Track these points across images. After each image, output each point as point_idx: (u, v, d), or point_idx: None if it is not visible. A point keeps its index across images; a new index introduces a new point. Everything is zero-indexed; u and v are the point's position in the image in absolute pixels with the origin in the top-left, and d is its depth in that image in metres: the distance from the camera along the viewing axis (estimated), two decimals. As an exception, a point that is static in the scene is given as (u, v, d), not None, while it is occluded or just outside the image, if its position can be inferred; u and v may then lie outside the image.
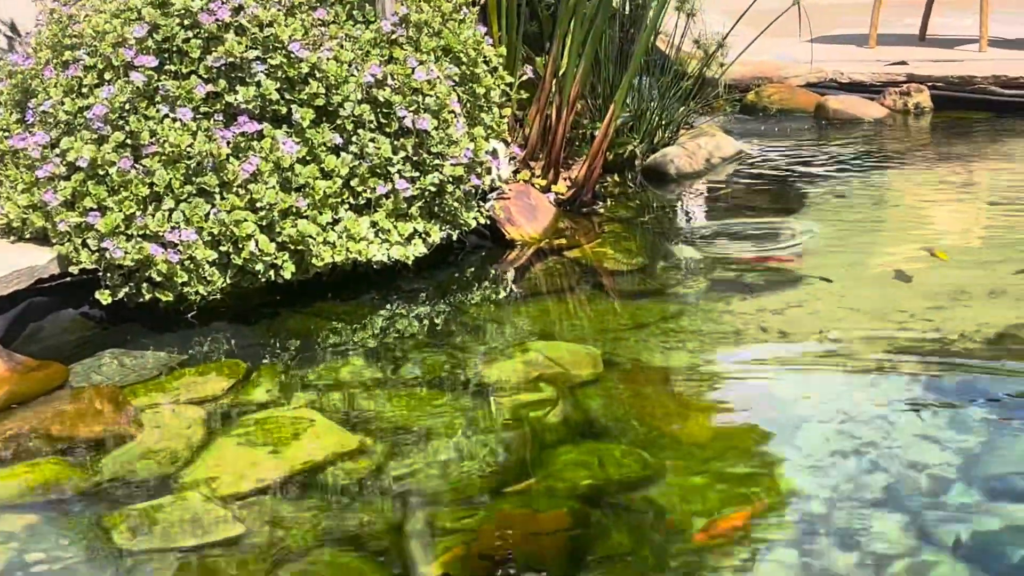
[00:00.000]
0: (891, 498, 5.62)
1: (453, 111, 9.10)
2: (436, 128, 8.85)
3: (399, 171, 8.66)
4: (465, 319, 8.37)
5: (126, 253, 7.72)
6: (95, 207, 7.85)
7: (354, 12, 9.21)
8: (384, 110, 8.73)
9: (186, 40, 8.23)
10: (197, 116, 8.17)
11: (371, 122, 8.65)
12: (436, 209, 8.97)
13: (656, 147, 12.25)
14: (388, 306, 8.56)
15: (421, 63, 8.91)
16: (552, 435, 6.47)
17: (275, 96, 8.33)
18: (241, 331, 8.11)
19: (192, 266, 7.84)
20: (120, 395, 6.85)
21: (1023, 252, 9.11)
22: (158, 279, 7.82)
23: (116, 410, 6.66)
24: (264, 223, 8.03)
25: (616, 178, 11.85)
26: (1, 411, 6.67)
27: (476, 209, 9.41)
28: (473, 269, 9.48)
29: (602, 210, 10.90)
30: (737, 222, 10.45)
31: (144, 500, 5.89)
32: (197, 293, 7.92)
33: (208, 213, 7.92)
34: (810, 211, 10.70)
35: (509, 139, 10.46)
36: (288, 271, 8.12)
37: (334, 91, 8.54)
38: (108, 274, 7.90)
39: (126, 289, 7.90)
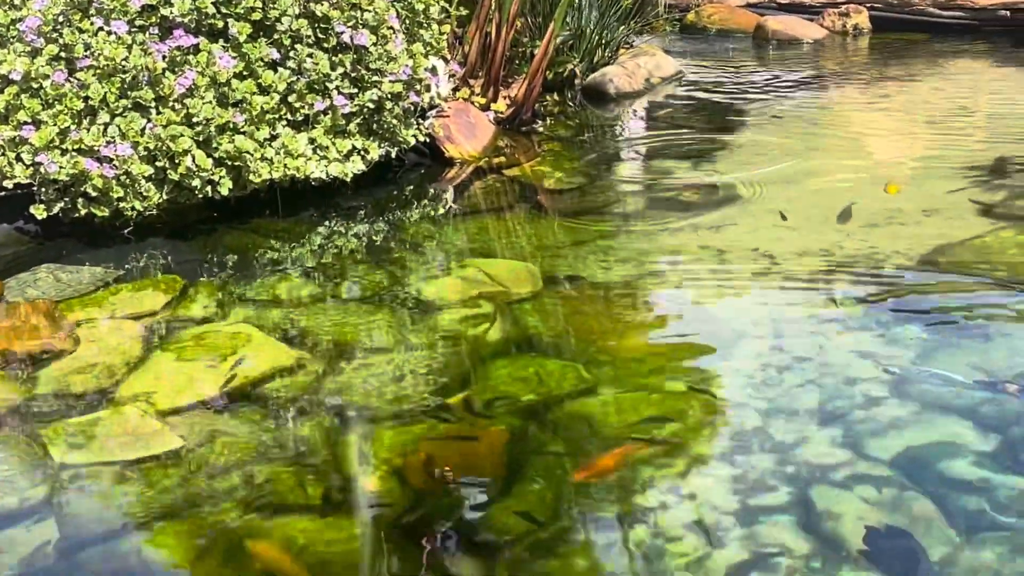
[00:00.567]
0: (825, 412, 5.69)
1: (392, 27, 9.04)
2: (375, 44, 8.79)
3: (337, 87, 8.60)
4: (404, 236, 8.36)
5: (61, 168, 7.64)
6: (29, 121, 7.75)
7: (292, -75, 9.09)
8: (322, 25, 8.66)
9: (120, -48, 8.11)
10: (132, 29, 8.07)
11: (309, 37, 8.58)
12: (375, 126, 8.93)
13: (596, 66, 12.25)
14: (326, 223, 8.53)
15: (360, -22, 8.84)
16: (490, 351, 6.49)
17: (211, 10, 8.23)
18: (178, 247, 8.06)
19: (128, 181, 7.77)
20: (56, 310, 6.80)
21: (957, 172, 9.17)
22: (94, 194, 7.74)
23: (52, 325, 6.61)
24: (201, 138, 7.96)
25: (556, 97, 11.85)
26: (-66, 325, 6.62)
27: (415, 126, 9.38)
28: (412, 187, 9.45)
29: (541, 129, 10.90)
30: (675, 142, 10.48)
31: (81, 414, 5.87)
32: (133, 209, 7.86)
33: (144, 128, 7.84)
34: (747, 131, 10.75)
35: (448, 56, 10.40)
36: (225, 187, 8.07)
37: (271, 5, 8.45)
38: (43, 189, 7.81)
39: (61, 204, 7.83)
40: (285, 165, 8.24)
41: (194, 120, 7.89)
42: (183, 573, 4.75)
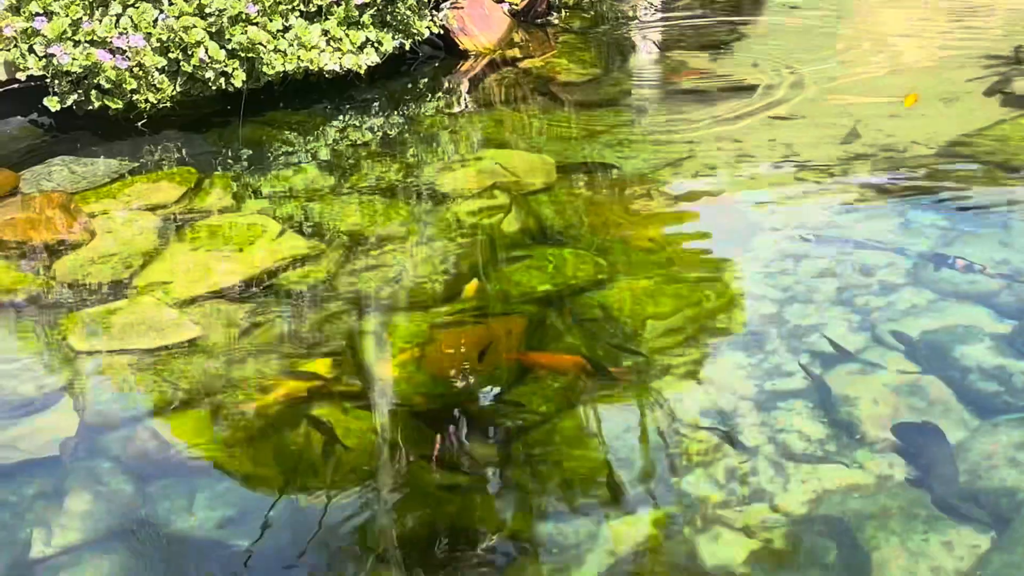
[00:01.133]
0: (842, 300, 5.68)
1: (406, -84, 8.93)
2: (388, -67, 8.70)
3: (350, -23, 8.52)
4: (418, 129, 8.32)
5: (73, 59, 7.58)
6: (41, 12, 7.68)
7: None
8: (335, -86, 8.56)
9: None
10: (143, -81, 7.99)
11: (322, -74, 8.48)
12: (388, 18, 8.83)
13: (611, -44, 12.08)
14: (341, 116, 8.49)
15: None
16: (506, 241, 6.47)
17: (223, -102, 8.13)
18: (192, 140, 8.04)
19: (141, 73, 7.71)
20: (71, 202, 6.79)
21: (976, 62, 9.07)
22: (107, 86, 7.69)
23: (68, 216, 6.61)
24: (213, 30, 7.89)
25: (571, -12, 11.73)
26: (-49, 217, 6.63)
27: (429, 18, 9.28)
28: (426, 79, 9.38)
29: (556, 21, 10.79)
30: (692, 33, 10.37)
31: (98, 304, 5.88)
32: (147, 101, 7.81)
33: (156, 19, 7.77)
34: (766, 16, 10.64)
35: (463, -53, 10.27)
36: (239, 79, 8.01)
37: None
38: (56, 81, 7.76)
39: (75, 96, 7.78)
40: (298, 57, 8.18)
41: (206, 11, 7.81)
42: (200, 457, 4.78)
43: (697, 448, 4.68)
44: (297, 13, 8.34)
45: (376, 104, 8.66)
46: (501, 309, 5.78)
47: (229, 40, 7.92)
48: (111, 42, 7.60)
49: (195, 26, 7.75)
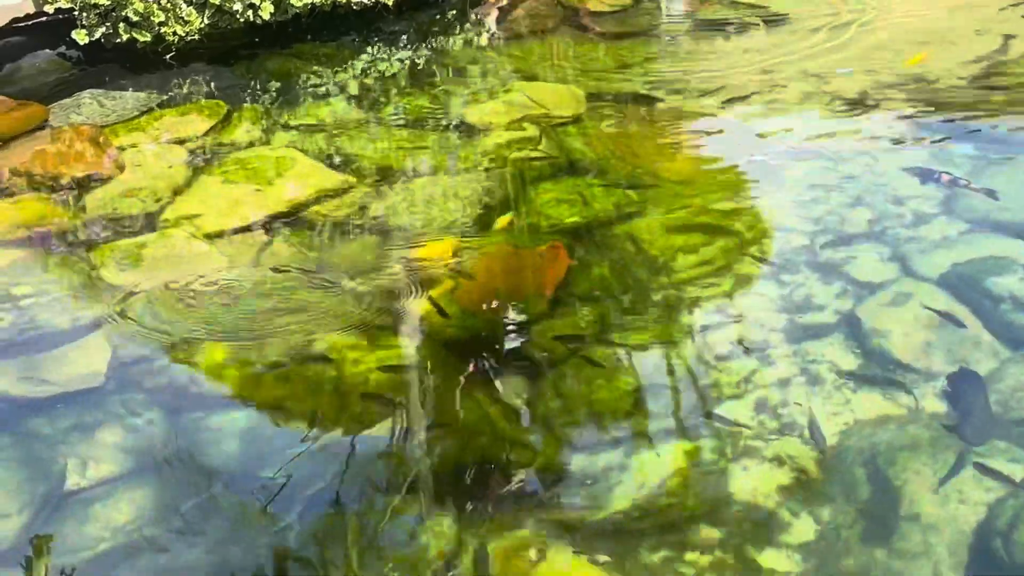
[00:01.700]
0: (873, 231, 5.64)
1: None
2: None
3: (378, -94, 8.46)
4: (447, 61, 8.27)
5: (101, -9, 7.59)
6: (68, -56, 7.69)
7: None
8: None
9: None
10: None
11: None
12: (416, -52, 8.80)
13: None
14: (369, 48, 8.45)
15: None
16: (535, 173, 6.44)
17: None
18: (221, 72, 8.02)
19: (169, 5, 7.70)
20: (101, 135, 6.79)
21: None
22: (135, 19, 7.68)
23: (97, 150, 6.62)
24: (241, -39, 7.88)
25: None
26: (-19, 151, 6.65)
27: (457, -52, 9.24)
28: (454, 11, 9.33)
29: (586, -50, 10.70)
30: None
31: (128, 237, 5.90)
32: (175, 34, 7.80)
33: (183, -49, 7.75)
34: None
35: None
36: (266, 11, 7.98)
37: None
38: (84, 13, 7.75)
39: (103, 29, 7.77)
40: (326, -12, 8.14)
41: (234, -58, 7.79)
42: (230, 390, 4.79)
43: (727, 380, 4.68)
44: (324, -56, 8.30)
45: (404, 36, 8.62)
46: (530, 241, 5.76)
47: (256, -28, 7.90)
48: (138, -26, 7.60)
49: (222, -42, 7.73)
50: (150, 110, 7.34)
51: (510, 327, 5.16)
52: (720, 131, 6.95)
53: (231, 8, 7.78)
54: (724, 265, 5.48)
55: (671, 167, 6.47)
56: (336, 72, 7.99)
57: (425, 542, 4.01)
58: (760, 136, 6.84)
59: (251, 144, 6.88)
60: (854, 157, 6.37)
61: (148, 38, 7.69)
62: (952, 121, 6.73)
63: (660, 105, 7.25)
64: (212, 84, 7.81)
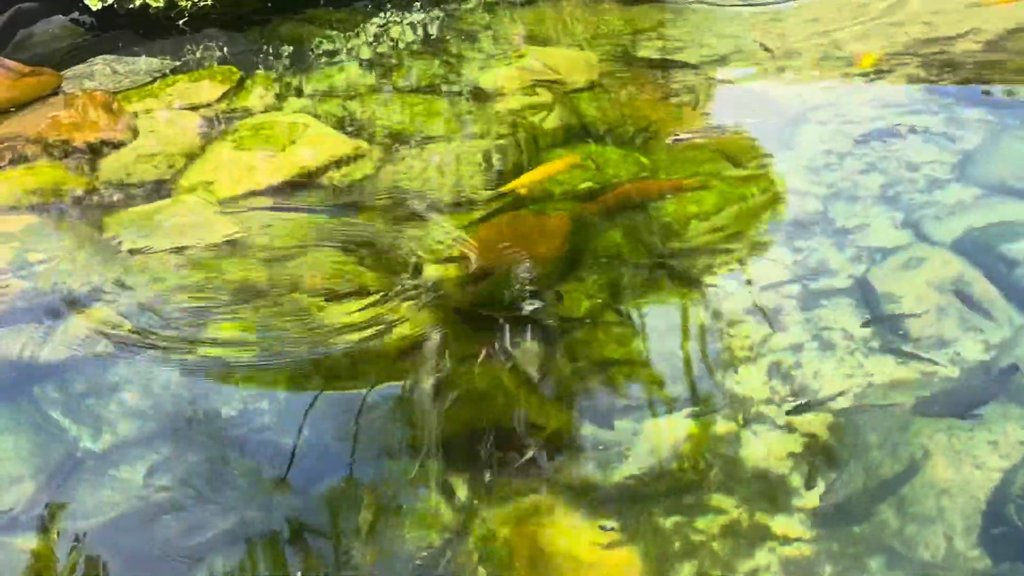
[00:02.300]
0: (886, 196, 5.63)
1: None
2: None
3: None
4: (460, 26, 8.25)
5: (114, -43, 7.58)
6: (80, -91, 7.67)
7: None
8: None
9: None
10: None
11: None
12: (429, -89, 8.76)
13: None
14: (382, 13, 8.43)
15: None
16: (548, 139, 6.44)
17: None
18: (233, 38, 8.00)
19: (181, -29, 7.70)
20: (114, 101, 6.79)
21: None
22: (147, -16, 7.69)
23: (110, 116, 6.62)
24: (253, -74, 7.86)
25: None
26: (-5, 117, 6.67)
27: (470, -89, 9.18)
28: (468, -25, 9.30)
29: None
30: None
31: (141, 203, 5.91)
32: (188, -1, 7.81)
33: (196, -84, 7.74)
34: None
35: None
36: (279, -24, 7.98)
37: None
38: (96, -21, 7.76)
39: (115, -6, 7.78)
40: (339, -47, 8.12)
41: (246, -93, 7.77)
42: (244, 353, 4.81)
43: (740, 345, 4.69)
44: (337, -92, 8.28)
45: (417, 1, 8.58)
46: (544, 206, 5.75)
47: (269, -64, 7.88)
48: (151, -61, 7.59)
49: (234, -78, 7.72)
50: (163, 76, 7.34)
51: (523, 291, 5.15)
52: (734, 97, 6.93)
53: (244, -27, 7.76)
54: (737, 231, 5.47)
55: (684, 131, 6.45)
56: (349, 37, 7.98)
57: (436, 506, 4.03)
58: (774, 100, 6.82)
59: (264, 110, 6.89)
60: (867, 122, 6.35)
61: (161, 4, 7.70)
62: (966, 84, 6.70)
63: (674, 70, 7.23)
64: (225, 50, 7.80)
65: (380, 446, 4.33)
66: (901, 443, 4.12)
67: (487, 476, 4.14)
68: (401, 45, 7.92)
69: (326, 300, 5.06)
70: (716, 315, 4.89)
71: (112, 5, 7.75)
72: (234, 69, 7.37)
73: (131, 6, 7.72)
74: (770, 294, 4.99)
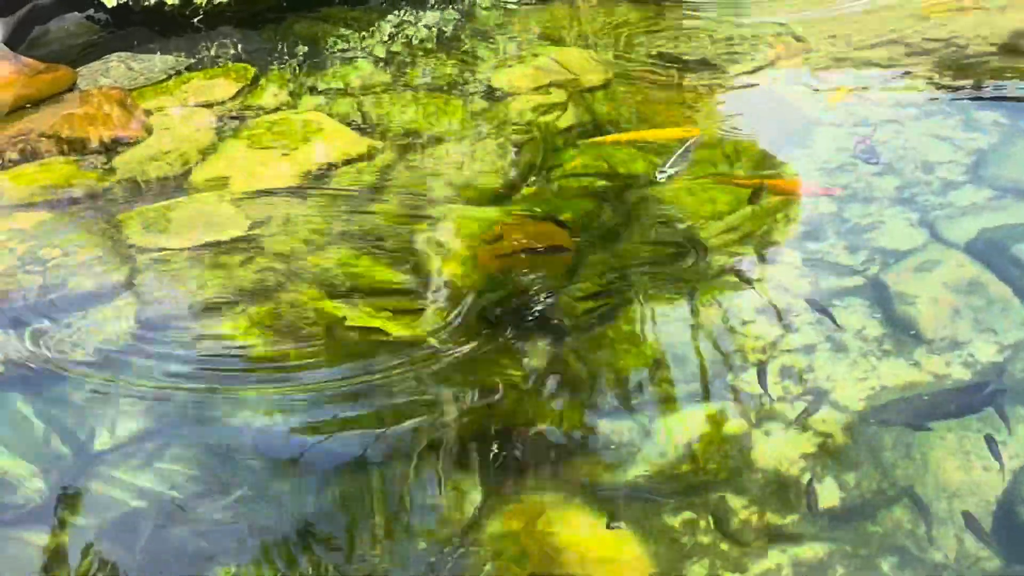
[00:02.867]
0: (901, 197, 5.62)
1: None
2: None
3: None
4: (475, 25, 8.25)
5: (129, -46, 7.60)
6: (96, -94, 7.69)
7: None
8: None
9: None
10: None
11: None
12: (444, -90, 8.76)
13: None
14: (396, 12, 8.43)
15: None
16: (562, 139, 6.43)
17: None
18: (248, 36, 8.02)
19: (197, -32, 7.72)
20: (128, 98, 6.80)
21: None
22: (163, -19, 7.71)
23: (125, 113, 6.63)
24: (268, -76, 7.87)
25: None
26: (10, 114, 6.65)
27: (485, -90, 9.18)
28: (483, -26, 9.30)
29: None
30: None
31: (156, 200, 5.92)
32: (202, -4, 7.82)
33: (211, -87, 7.76)
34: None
35: None
36: (294, -26, 7.99)
37: None
38: (112, -24, 7.78)
39: (131, -8, 7.80)
40: (354, -48, 8.12)
41: (261, -95, 7.78)
42: (259, 349, 4.81)
43: (752, 345, 4.68)
44: (352, -93, 8.28)
45: (431, 0, 8.58)
46: (557, 206, 5.75)
47: (284, -65, 7.89)
48: (166, -64, 7.61)
49: (250, -80, 7.73)
50: (178, 73, 7.36)
51: (535, 291, 5.15)
52: (749, 96, 6.92)
53: (259, -29, 7.76)
54: (750, 231, 5.47)
55: (700, 132, 6.45)
56: (363, 36, 7.98)
57: (447, 504, 4.03)
58: (788, 100, 6.81)
59: (278, 108, 6.89)
60: (883, 123, 6.33)
61: (176, 1, 7.72)
62: (980, 86, 6.69)
63: (689, 69, 7.22)
64: (240, 48, 7.81)
65: (390, 442, 4.33)
66: (913, 444, 4.11)
67: (494, 473, 4.15)
68: (416, 44, 7.92)
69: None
70: (728, 314, 4.89)
71: (127, 2, 7.77)
72: (249, 67, 7.39)
73: (146, 3, 7.75)
74: (783, 293, 4.98)
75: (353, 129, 6.57)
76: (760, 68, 7.23)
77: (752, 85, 7.06)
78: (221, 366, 4.73)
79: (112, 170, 6.22)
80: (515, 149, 6.31)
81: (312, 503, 4.12)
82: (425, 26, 8.23)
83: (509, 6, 8.67)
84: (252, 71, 7.33)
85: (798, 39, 7.59)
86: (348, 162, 6.22)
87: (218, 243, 5.52)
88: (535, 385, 4.57)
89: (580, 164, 6.08)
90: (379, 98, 7.02)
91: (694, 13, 8.30)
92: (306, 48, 7.80)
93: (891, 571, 3.75)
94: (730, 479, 4.08)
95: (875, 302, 4.87)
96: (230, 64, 7.52)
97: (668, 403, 4.43)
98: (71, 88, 7.03)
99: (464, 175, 6.06)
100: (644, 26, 8.03)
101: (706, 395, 4.46)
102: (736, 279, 5.11)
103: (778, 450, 4.16)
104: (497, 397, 4.49)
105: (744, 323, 4.82)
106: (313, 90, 7.18)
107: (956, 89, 6.72)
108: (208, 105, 6.90)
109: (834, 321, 4.72)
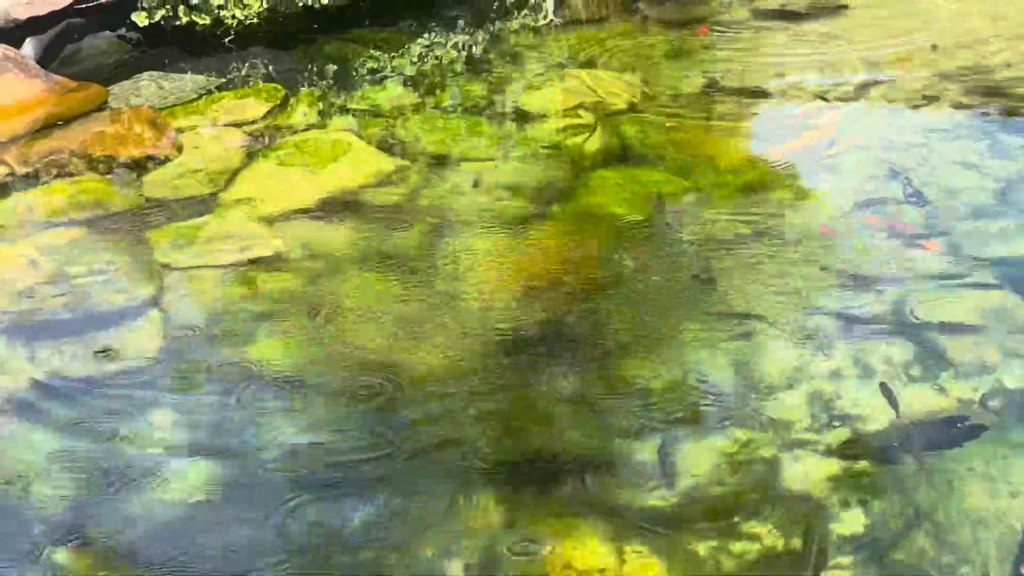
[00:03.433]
0: (928, 223, 5.61)
1: None
2: None
3: None
4: (504, 47, 8.28)
5: (161, -26, 7.65)
6: (130, -73, 7.75)
7: None
8: None
9: None
10: None
11: None
12: (475, -68, 8.79)
13: None
14: (426, 33, 8.46)
15: None
16: (590, 161, 6.45)
17: None
18: (278, 56, 8.06)
19: (228, -11, 7.76)
20: (159, 117, 6.86)
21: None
22: (195, 1, 7.74)
23: (155, 132, 6.68)
24: (300, -55, 7.92)
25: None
26: (41, 131, 6.71)
27: (516, -68, 9.21)
28: (512, -4, 9.33)
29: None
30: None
31: (185, 219, 5.96)
32: (234, 17, 7.85)
33: (243, -66, 7.80)
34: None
35: None
36: (325, -5, 8.03)
37: None
38: (144, -4, 7.83)
39: (163, 11, 7.83)
40: (384, -27, 8.15)
41: (293, -74, 7.82)
42: (287, 370, 4.83)
43: (778, 370, 4.67)
44: (383, -72, 8.32)
45: (461, 21, 8.62)
46: (585, 227, 5.76)
47: (315, -44, 7.93)
48: (199, -43, 7.65)
49: (282, -59, 7.78)
50: (208, 93, 7.41)
51: (559, 312, 5.15)
52: (776, 120, 6.93)
53: (290, -8, 7.81)
54: (774, 253, 5.46)
55: (724, 156, 6.46)
56: (393, 57, 8.02)
57: (472, 525, 4.04)
58: (816, 124, 6.80)
59: (308, 128, 6.93)
60: (911, 148, 6.33)
61: (207, 21, 7.75)
62: (1008, 110, 6.68)
63: (716, 93, 7.22)
64: (270, 68, 7.86)
65: (415, 462, 4.34)
66: (938, 471, 4.10)
67: (520, 494, 4.15)
68: (445, 65, 7.95)
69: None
70: (753, 339, 4.88)
71: (159, 22, 7.83)
72: (279, 87, 7.43)
73: (178, 23, 7.79)
74: (808, 319, 4.97)
75: (382, 149, 6.60)
76: (788, 93, 7.21)
77: (780, 109, 7.06)
78: (247, 382, 4.75)
79: (142, 188, 6.27)
80: (542, 172, 6.32)
81: (336, 520, 4.13)
82: (455, 48, 8.26)
83: (538, 29, 8.69)
84: (282, 91, 7.37)
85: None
86: (377, 182, 6.24)
87: (245, 261, 5.55)
88: (559, 404, 4.58)
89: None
90: (408, 118, 7.06)
91: (725, 35, 8.30)
92: (336, 68, 7.84)
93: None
94: (755, 503, 4.07)
95: (901, 328, 4.85)
96: (260, 84, 7.57)
97: (693, 425, 4.42)
98: (102, 106, 7.09)
99: (491, 197, 6.08)
100: (674, 48, 8.04)
101: (732, 418, 4.44)
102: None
103: (804, 474, 4.15)
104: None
105: (770, 348, 4.81)
106: (343, 110, 7.22)
107: (983, 112, 6.70)
108: (238, 124, 6.95)
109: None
